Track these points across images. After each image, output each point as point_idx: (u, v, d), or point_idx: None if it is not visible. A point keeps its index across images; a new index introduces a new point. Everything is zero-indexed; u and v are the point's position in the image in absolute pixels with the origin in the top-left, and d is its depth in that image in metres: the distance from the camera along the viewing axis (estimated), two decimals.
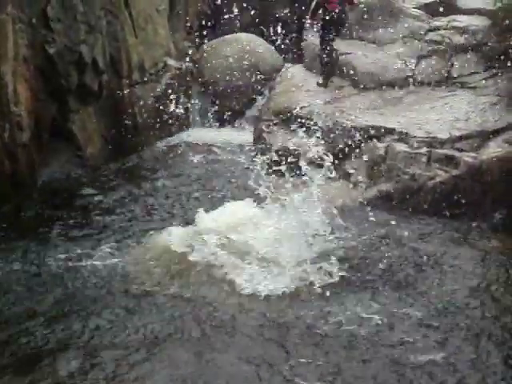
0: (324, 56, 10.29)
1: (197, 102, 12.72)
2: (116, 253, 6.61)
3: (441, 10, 10.55)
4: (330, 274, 6.15)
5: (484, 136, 8.29)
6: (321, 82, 10.39)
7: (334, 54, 10.28)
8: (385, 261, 6.49)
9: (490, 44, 9.74)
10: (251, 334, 5.19)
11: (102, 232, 7.17)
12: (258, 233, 6.85)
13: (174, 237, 6.75)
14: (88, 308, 5.55)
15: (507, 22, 8.99)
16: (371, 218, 7.27)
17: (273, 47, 13.20)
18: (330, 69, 10.40)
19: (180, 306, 5.62)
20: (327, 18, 10.05)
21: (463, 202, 7.83)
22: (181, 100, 12.17)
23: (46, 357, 4.83)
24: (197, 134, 11.94)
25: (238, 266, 6.27)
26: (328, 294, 5.82)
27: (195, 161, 9.94)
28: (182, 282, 6.10)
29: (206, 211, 7.22)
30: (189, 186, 8.71)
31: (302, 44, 11.49)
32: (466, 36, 9.99)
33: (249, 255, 6.43)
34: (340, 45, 10.59)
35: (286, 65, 12.22)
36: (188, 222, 7.19)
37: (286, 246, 6.58)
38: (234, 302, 5.72)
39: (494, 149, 8.04)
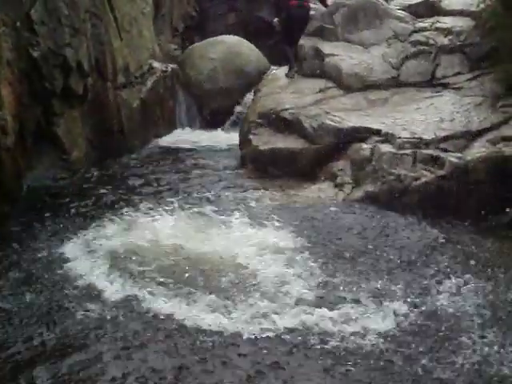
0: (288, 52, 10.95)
1: (183, 104, 12.72)
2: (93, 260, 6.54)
3: (425, 11, 10.64)
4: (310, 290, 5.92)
5: (469, 136, 8.32)
6: (288, 73, 10.98)
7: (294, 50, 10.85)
8: (375, 267, 6.41)
9: (473, 45, 9.80)
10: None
11: (84, 237, 7.10)
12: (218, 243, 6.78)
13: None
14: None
15: (490, 23, 9.04)
16: (357, 220, 7.30)
17: (258, 49, 13.22)
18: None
19: None
20: (288, 15, 10.65)
21: (449, 202, 7.89)
22: (166, 102, 12.18)
23: None
24: (183, 137, 11.95)
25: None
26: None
27: (180, 164, 9.93)
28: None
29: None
30: (170, 192, 8.55)
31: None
32: (450, 37, 10.04)
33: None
34: (325, 46, 10.64)
35: (271, 67, 12.23)
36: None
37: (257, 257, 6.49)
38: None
39: (478, 149, 8.07)
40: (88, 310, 5.56)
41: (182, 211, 7.69)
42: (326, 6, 11.21)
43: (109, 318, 5.43)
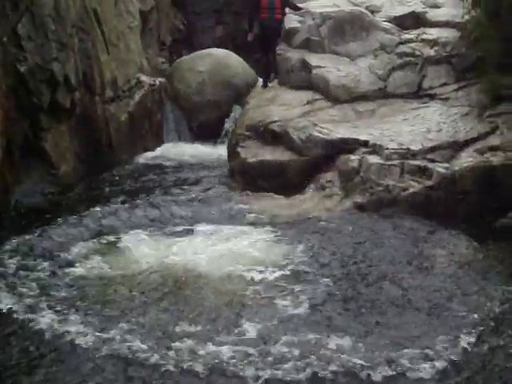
0: (265, 62, 11.49)
1: (171, 117, 12.72)
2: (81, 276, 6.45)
3: (411, 22, 10.71)
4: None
5: (456, 146, 8.39)
6: (264, 84, 11.47)
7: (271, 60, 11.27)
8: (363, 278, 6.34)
9: (459, 55, 9.86)
10: None
11: (72, 253, 7.04)
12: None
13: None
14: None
15: (475, 33, 9.11)
16: (345, 232, 7.32)
17: (246, 62, 13.26)
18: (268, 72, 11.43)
19: None
20: (261, 28, 11.24)
21: (437, 212, 7.93)
22: (154, 116, 12.19)
23: None
24: (171, 150, 11.95)
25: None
26: None
27: (168, 178, 9.91)
28: None
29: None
30: (157, 208, 8.40)
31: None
32: (436, 48, 10.10)
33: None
34: (312, 58, 10.68)
35: (259, 79, 12.26)
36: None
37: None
38: None
39: (465, 159, 8.13)
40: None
41: (168, 227, 7.68)
42: (298, 9, 11.40)
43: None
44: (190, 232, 7.51)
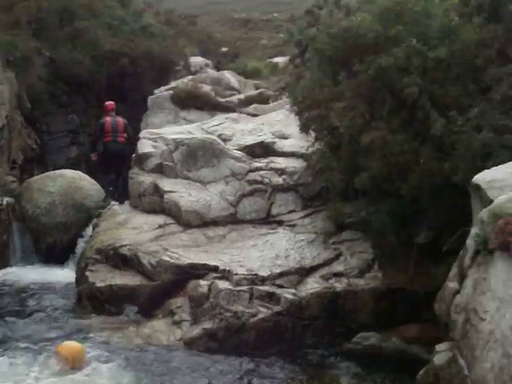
0: (111, 185, 12.33)
1: (18, 238, 12.23)
2: None
3: (260, 152, 11.18)
4: None
5: (303, 272, 8.64)
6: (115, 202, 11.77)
7: (119, 182, 12.10)
8: None
9: (306, 184, 10.34)
10: None
11: None
12: None
13: None
14: None
15: (320, 164, 9.61)
16: (190, 360, 7.18)
17: (99, 183, 13.17)
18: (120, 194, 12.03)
19: None
20: (104, 149, 12.22)
21: (285, 337, 8.00)
22: (0, 237, 11.69)
23: None
24: (17, 273, 11.39)
25: None
26: None
27: (9, 304, 9.39)
28: None
29: None
30: None
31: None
32: (284, 177, 10.55)
33: None
34: (165, 183, 10.80)
35: (111, 202, 12.18)
36: None
37: None
38: None
39: (311, 285, 8.39)
40: None
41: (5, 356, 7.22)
42: (134, 137, 12.20)
43: None
44: (27, 362, 7.07)
